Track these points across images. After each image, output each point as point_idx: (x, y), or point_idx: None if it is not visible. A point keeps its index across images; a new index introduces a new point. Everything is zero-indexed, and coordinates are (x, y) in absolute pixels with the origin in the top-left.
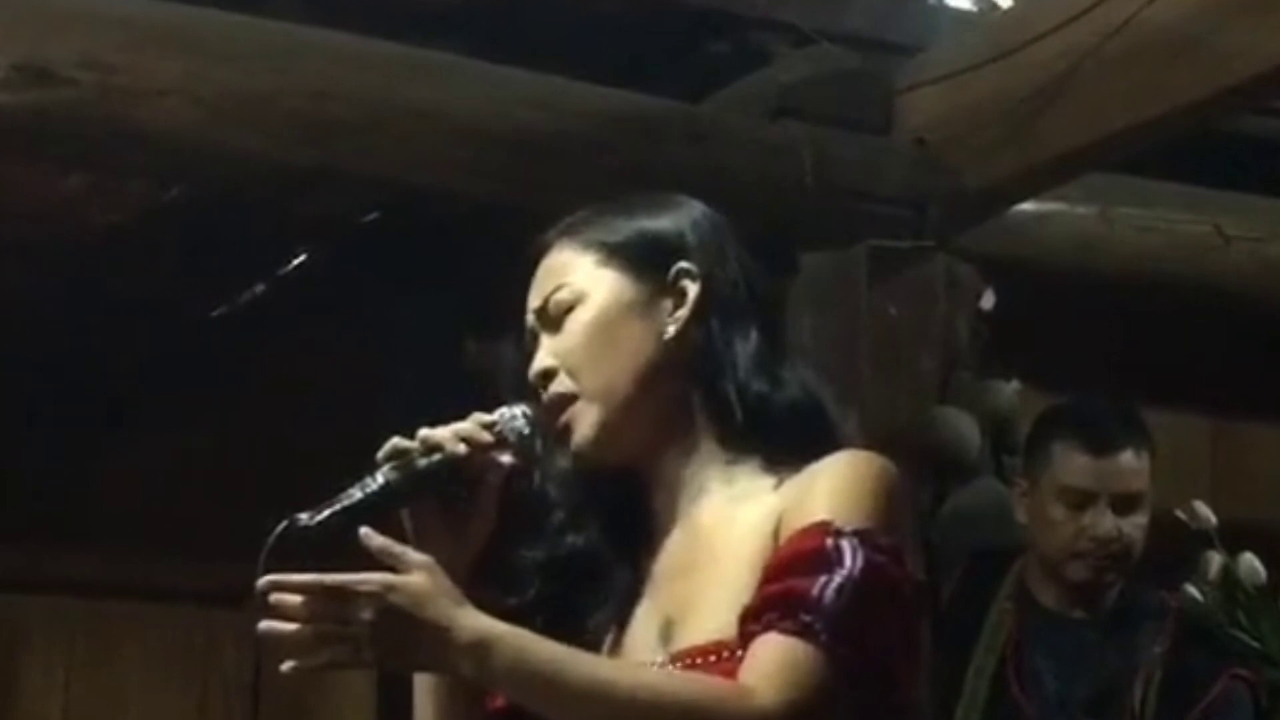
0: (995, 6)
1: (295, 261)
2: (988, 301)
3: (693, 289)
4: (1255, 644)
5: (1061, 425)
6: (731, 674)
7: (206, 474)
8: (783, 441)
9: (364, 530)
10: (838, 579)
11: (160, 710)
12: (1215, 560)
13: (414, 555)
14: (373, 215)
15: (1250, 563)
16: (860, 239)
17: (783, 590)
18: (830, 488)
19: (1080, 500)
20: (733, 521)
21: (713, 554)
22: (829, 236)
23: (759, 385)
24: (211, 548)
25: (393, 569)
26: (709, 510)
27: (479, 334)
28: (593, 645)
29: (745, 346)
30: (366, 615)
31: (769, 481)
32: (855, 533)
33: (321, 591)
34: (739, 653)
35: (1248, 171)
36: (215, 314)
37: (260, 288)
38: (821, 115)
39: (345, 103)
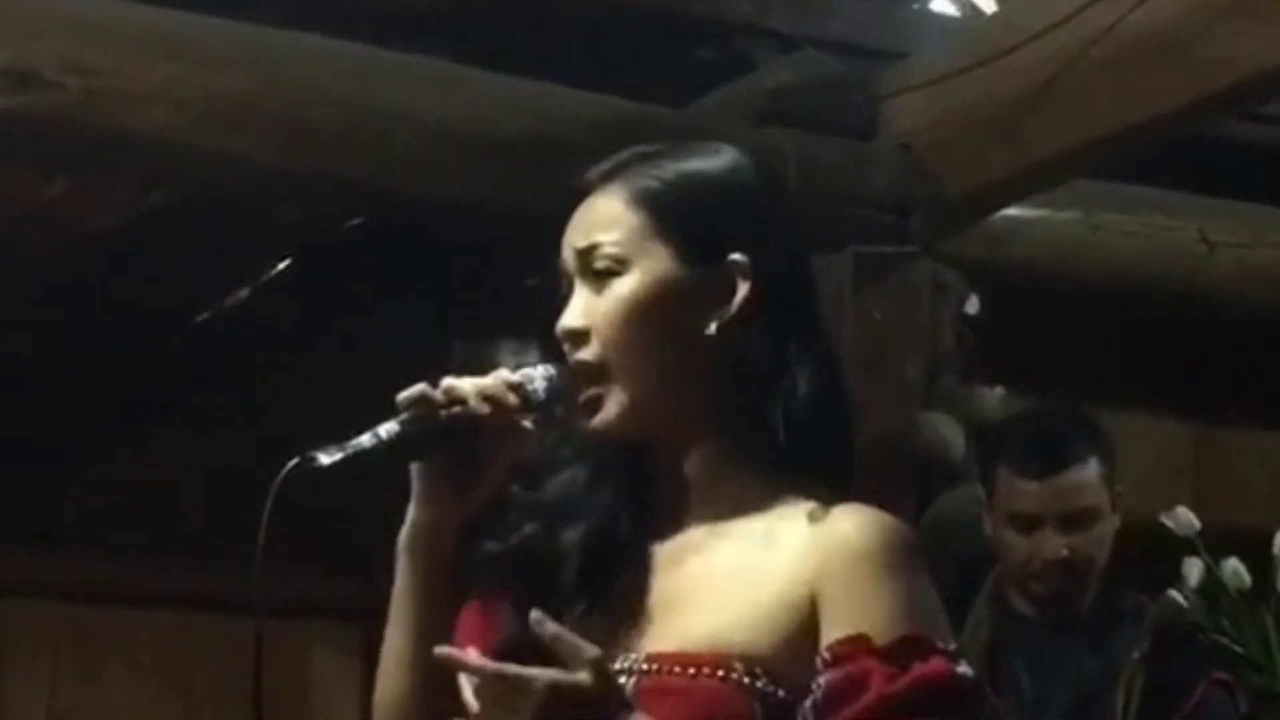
0: (980, 12)
1: (279, 266)
2: (972, 307)
3: (743, 287)
4: (1239, 650)
5: (1004, 448)
6: (696, 692)
7: (192, 480)
8: (814, 462)
9: (535, 615)
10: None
11: (146, 718)
12: (1199, 566)
13: (586, 649)
14: (357, 220)
15: (1235, 568)
16: (845, 244)
17: None
18: (901, 598)
19: (1027, 524)
20: (746, 536)
21: (710, 560)
22: (813, 242)
23: (802, 397)
24: (197, 554)
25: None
26: (720, 513)
27: (465, 337)
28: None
29: (793, 357)
30: (531, 708)
31: (800, 506)
32: (956, 653)
33: (493, 675)
34: (704, 669)
35: (1232, 177)
36: (199, 319)
37: (243, 293)
38: (806, 121)
39: (329, 107)
